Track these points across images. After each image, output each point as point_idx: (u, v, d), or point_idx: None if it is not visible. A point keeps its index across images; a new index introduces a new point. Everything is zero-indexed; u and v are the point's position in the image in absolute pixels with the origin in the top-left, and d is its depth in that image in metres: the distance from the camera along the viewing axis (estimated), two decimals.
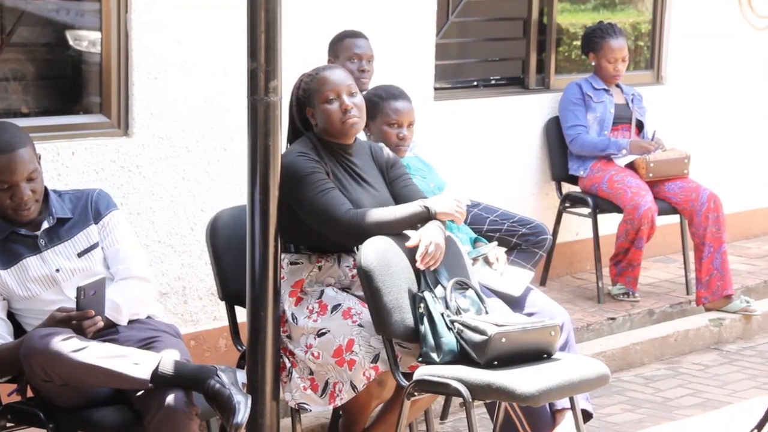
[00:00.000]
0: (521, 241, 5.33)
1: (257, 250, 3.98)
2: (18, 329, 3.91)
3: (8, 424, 3.86)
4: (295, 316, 4.23)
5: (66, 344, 3.64)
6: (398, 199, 4.34)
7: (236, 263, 4.46)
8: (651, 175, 6.51)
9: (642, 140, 6.60)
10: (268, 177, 3.96)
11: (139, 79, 5.04)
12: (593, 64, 6.71)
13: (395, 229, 4.17)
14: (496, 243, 4.94)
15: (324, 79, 4.24)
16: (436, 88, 6.31)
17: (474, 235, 5.01)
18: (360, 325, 4.15)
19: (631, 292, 6.57)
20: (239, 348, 4.52)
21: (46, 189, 3.97)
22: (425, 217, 4.18)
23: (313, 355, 4.18)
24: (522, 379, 3.94)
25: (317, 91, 4.23)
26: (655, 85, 7.42)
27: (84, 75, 5.24)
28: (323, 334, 4.17)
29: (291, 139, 4.34)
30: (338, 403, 4.17)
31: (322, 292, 4.23)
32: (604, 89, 6.67)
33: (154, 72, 5.08)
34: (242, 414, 3.59)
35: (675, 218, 6.74)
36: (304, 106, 4.27)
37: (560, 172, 6.77)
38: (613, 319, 6.31)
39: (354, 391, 4.13)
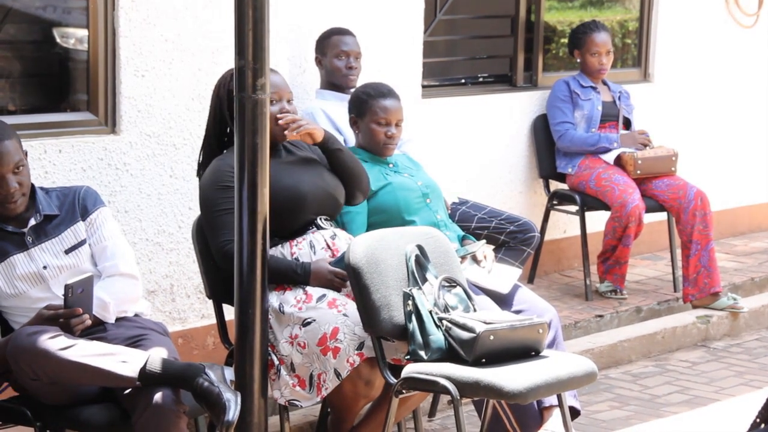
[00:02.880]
0: (509, 238, 5.33)
1: (245, 248, 3.97)
2: (5, 327, 3.90)
3: None
4: (282, 306, 4.25)
5: (53, 342, 3.63)
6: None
7: None
8: (639, 172, 6.52)
9: (634, 133, 6.62)
10: (256, 175, 3.96)
11: (126, 77, 5.03)
12: (578, 60, 6.72)
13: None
14: (484, 241, 4.95)
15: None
16: (423, 86, 6.31)
17: (462, 233, 5.01)
18: (345, 315, 4.17)
19: (619, 290, 6.58)
20: (227, 346, 4.52)
21: (33, 186, 3.96)
22: (296, 279, 4.21)
23: (299, 345, 4.19)
24: (510, 377, 3.94)
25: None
26: (643, 83, 7.43)
27: (71, 72, 5.22)
28: (308, 323, 4.18)
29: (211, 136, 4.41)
30: (324, 393, 4.17)
31: (306, 289, 4.26)
32: (592, 87, 6.68)
33: (142, 69, 5.07)
34: (233, 411, 3.58)
35: (662, 216, 6.75)
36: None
37: (548, 170, 6.77)
38: (600, 316, 6.31)
39: (338, 378, 4.14)
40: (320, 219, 4.41)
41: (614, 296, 6.57)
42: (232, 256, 4.16)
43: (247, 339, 3.96)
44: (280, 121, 4.31)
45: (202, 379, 3.65)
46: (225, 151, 4.40)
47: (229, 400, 3.60)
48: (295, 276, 4.22)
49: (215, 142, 4.44)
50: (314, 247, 4.36)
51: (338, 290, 4.17)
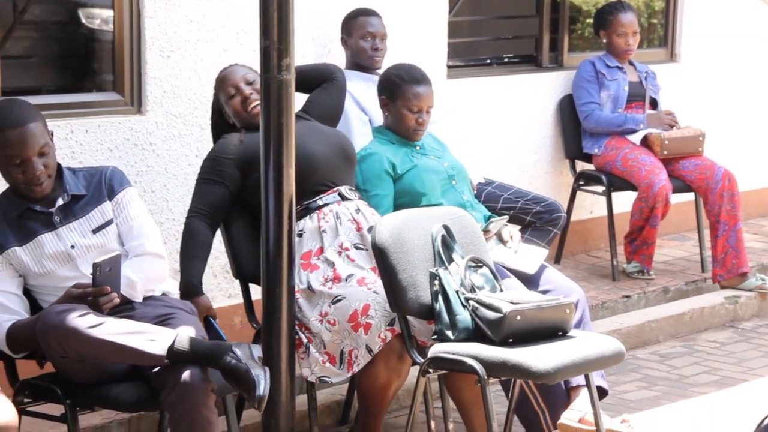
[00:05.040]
0: (535, 219, 5.32)
1: (271, 227, 3.97)
2: (34, 306, 3.92)
3: (26, 400, 3.87)
4: (311, 284, 4.28)
5: (82, 320, 3.64)
6: None
7: (249, 241, 4.47)
8: (666, 152, 6.48)
9: (660, 113, 6.58)
10: (281, 155, 3.95)
11: (151, 57, 5.03)
12: (605, 41, 6.68)
13: (183, 250, 4.37)
14: (507, 217, 4.94)
15: (222, 78, 4.60)
16: (449, 67, 6.29)
17: (488, 214, 5.00)
18: (375, 292, 4.20)
19: (646, 270, 6.56)
20: (254, 325, 4.53)
21: (60, 166, 3.97)
22: (186, 291, 4.27)
23: (329, 322, 4.22)
24: (537, 357, 3.94)
25: (221, 90, 4.59)
26: (669, 63, 7.38)
27: (97, 53, 5.23)
28: (338, 300, 4.21)
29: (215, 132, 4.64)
30: (356, 369, 4.21)
31: (333, 263, 4.28)
32: (618, 67, 6.65)
33: (167, 50, 5.07)
34: (263, 386, 3.60)
35: (690, 196, 6.72)
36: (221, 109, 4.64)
37: (574, 150, 6.75)
38: (628, 296, 6.30)
39: (370, 354, 4.17)
40: (345, 189, 4.44)
41: (641, 277, 6.55)
42: (191, 227, 4.37)
43: (274, 318, 3.97)
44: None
45: (229, 357, 3.66)
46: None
47: (258, 376, 3.61)
48: None
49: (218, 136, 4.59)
50: (340, 218, 4.39)
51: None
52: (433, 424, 4.64)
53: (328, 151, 4.51)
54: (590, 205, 6.97)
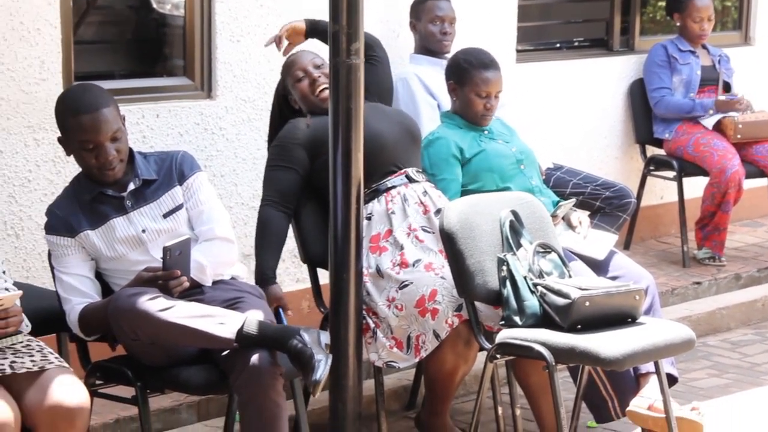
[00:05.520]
0: (605, 204, 5.28)
1: (339, 212, 3.98)
2: (106, 289, 3.97)
3: (97, 382, 3.93)
4: (379, 268, 4.30)
5: (153, 303, 3.68)
6: None
7: (317, 226, 4.48)
8: (739, 136, 6.40)
9: (728, 98, 6.49)
10: (350, 139, 3.96)
11: (222, 42, 5.06)
12: (678, 24, 6.60)
13: (258, 240, 4.40)
14: (574, 200, 4.91)
15: (290, 62, 4.61)
16: (518, 51, 6.26)
17: (557, 199, 4.97)
18: (442, 277, 4.20)
19: (717, 257, 6.49)
20: (322, 310, 4.55)
21: (131, 150, 4.01)
22: (259, 280, 4.31)
23: (396, 307, 4.23)
24: (606, 343, 3.91)
25: (288, 75, 4.58)
26: (743, 46, 7.28)
27: (167, 38, 5.28)
28: (406, 285, 4.22)
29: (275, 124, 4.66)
30: (423, 354, 4.22)
31: (402, 246, 4.29)
32: (690, 51, 6.57)
33: (237, 35, 5.10)
34: (320, 371, 3.61)
35: (763, 181, 6.63)
36: (287, 95, 4.64)
37: (645, 135, 6.69)
38: (698, 283, 6.23)
39: (437, 339, 4.17)
40: (413, 171, 4.45)
41: (712, 263, 6.48)
42: (265, 216, 4.38)
43: (341, 303, 3.98)
44: (265, 44, 4.66)
45: (296, 340, 3.67)
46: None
47: (319, 361, 3.62)
48: None
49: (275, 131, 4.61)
50: (407, 200, 4.40)
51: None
52: (500, 410, 4.63)
53: (394, 132, 4.51)
54: (660, 190, 6.91)
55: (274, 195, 4.44)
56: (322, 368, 3.62)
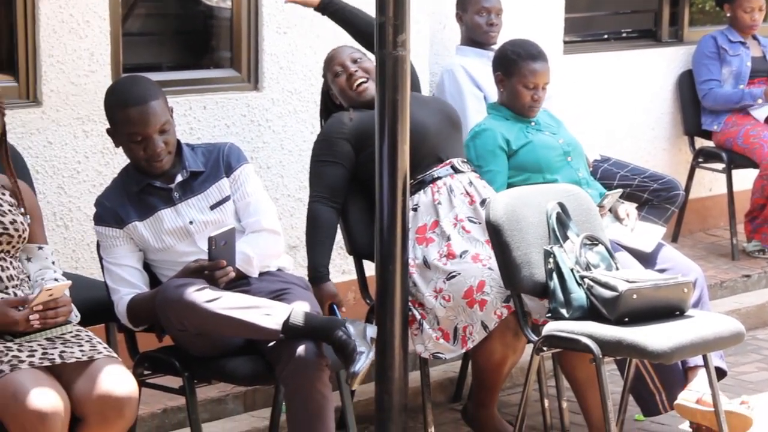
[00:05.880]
0: (652, 196, 5.25)
1: (385, 204, 3.98)
2: (153, 280, 3.99)
3: (145, 372, 3.95)
4: (426, 259, 4.30)
5: (199, 294, 3.70)
6: None
7: (363, 218, 4.49)
8: None
9: None
10: (396, 131, 3.95)
11: (268, 34, 5.07)
12: (728, 15, 6.54)
13: (309, 236, 4.41)
14: (621, 190, 4.88)
15: (329, 58, 4.59)
16: (565, 42, 6.23)
17: (604, 191, 4.94)
18: (490, 269, 4.19)
19: (767, 249, 6.43)
20: (368, 301, 4.56)
21: (179, 142, 4.03)
22: (312, 277, 4.32)
23: (444, 298, 4.23)
24: (654, 336, 3.89)
25: (328, 70, 4.57)
26: None
27: (215, 30, 5.30)
28: (453, 276, 4.22)
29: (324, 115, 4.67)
30: (470, 345, 4.22)
31: (449, 237, 4.28)
32: (740, 42, 6.50)
33: (284, 26, 5.11)
34: (360, 364, 3.61)
35: None
36: (328, 90, 4.64)
37: (693, 127, 6.64)
38: (748, 276, 6.19)
39: (485, 330, 4.17)
40: (458, 162, 4.45)
41: (762, 256, 6.43)
42: (314, 213, 4.38)
43: (387, 295, 3.98)
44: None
45: (340, 332, 3.68)
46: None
47: (360, 353, 3.62)
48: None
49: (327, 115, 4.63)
50: (453, 191, 4.39)
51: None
52: (546, 403, 4.62)
53: (436, 121, 4.51)
54: (709, 182, 6.85)
55: (323, 191, 4.44)
56: (363, 361, 3.63)
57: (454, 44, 5.67)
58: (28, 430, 3.25)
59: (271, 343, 3.75)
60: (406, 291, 4.04)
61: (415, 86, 4.84)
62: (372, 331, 3.75)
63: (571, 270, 4.08)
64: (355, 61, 4.53)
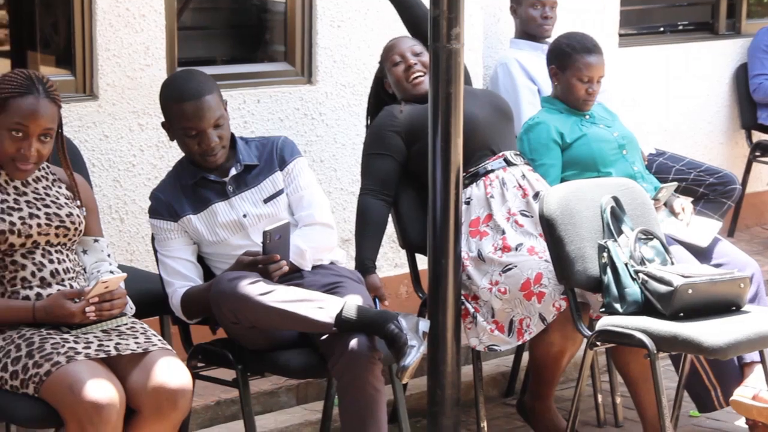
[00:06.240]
0: (708, 191, 5.21)
1: (438, 197, 3.97)
2: (207, 273, 4.01)
3: (199, 364, 3.98)
4: (481, 251, 4.29)
5: (253, 288, 3.71)
6: None
7: (416, 212, 4.48)
8: None
9: None
10: (449, 125, 3.94)
11: (322, 27, 5.08)
12: None
13: (357, 229, 4.43)
14: (676, 184, 4.84)
15: (390, 46, 4.57)
16: (620, 35, 6.19)
17: (659, 185, 4.90)
18: (546, 261, 4.19)
19: None
20: (420, 295, 4.55)
21: (233, 136, 4.04)
22: (359, 269, 4.31)
23: (499, 291, 4.22)
24: (709, 332, 3.85)
25: (387, 58, 4.57)
26: None
27: (269, 24, 5.32)
28: (509, 269, 4.21)
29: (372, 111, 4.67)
30: (527, 338, 4.22)
31: (503, 230, 4.28)
32: None
33: (338, 20, 5.12)
34: (410, 357, 3.60)
35: None
36: (383, 77, 4.63)
37: (750, 121, 6.58)
38: None
39: (543, 323, 4.15)
40: (511, 154, 4.43)
41: None
42: (363, 206, 4.39)
43: (440, 288, 3.97)
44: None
45: (393, 325, 3.68)
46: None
47: (411, 347, 3.62)
48: None
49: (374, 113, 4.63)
50: (506, 184, 4.38)
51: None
52: (600, 398, 4.59)
53: (486, 113, 4.49)
54: (766, 176, 6.78)
55: (373, 183, 4.45)
56: (413, 355, 3.62)
57: (508, 37, 5.65)
58: (84, 421, 3.28)
59: (324, 337, 3.76)
60: (458, 284, 4.03)
61: (466, 80, 4.82)
62: (424, 325, 3.74)
63: (626, 264, 4.06)
64: (415, 54, 4.53)
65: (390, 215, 4.62)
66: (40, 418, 3.37)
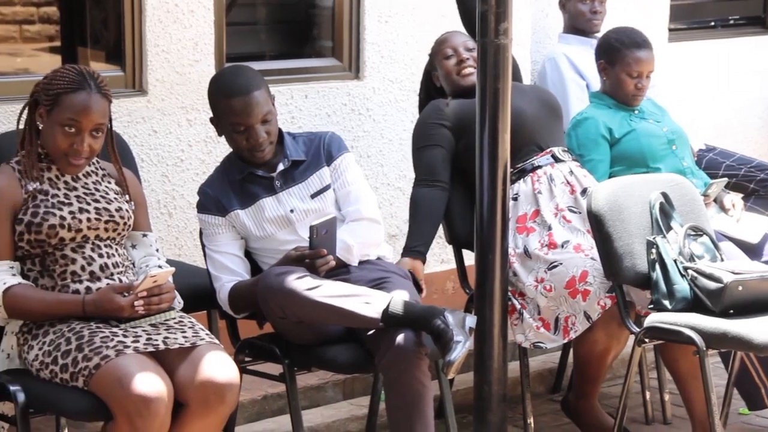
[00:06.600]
0: (759, 186, 5.17)
1: (485, 193, 3.97)
2: (255, 268, 4.03)
3: (246, 359, 4.00)
4: (527, 248, 4.28)
5: (300, 282, 3.72)
6: None
7: (463, 207, 4.48)
8: None
9: None
10: (497, 120, 3.93)
11: (370, 23, 5.08)
12: None
13: (409, 219, 4.41)
14: (726, 179, 4.80)
15: (442, 39, 4.58)
16: (670, 29, 6.15)
17: (709, 180, 4.86)
18: (592, 258, 4.16)
19: None
20: (467, 291, 4.55)
21: (281, 131, 4.06)
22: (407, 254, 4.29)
23: (545, 288, 4.20)
24: (760, 329, 3.82)
25: (438, 51, 4.56)
26: None
27: (317, 19, 5.33)
28: (555, 266, 4.19)
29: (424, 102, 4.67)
30: (573, 336, 4.20)
31: (550, 226, 4.26)
32: None
33: (385, 15, 5.12)
34: (456, 353, 3.59)
35: None
36: (432, 70, 4.63)
37: None
38: None
39: (588, 321, 4.15)
40: (558, 151, 4.42)
41: None
42: (414, 196, 4.38)
43: (486, 284, 3.97)
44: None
45: (439, 321, 3.67)
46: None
47: (457, 343, 3.61)
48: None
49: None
50: (554, 180, 4.36)
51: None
52: (648, 395, 4.57)
53: (534, 109, 4.48)
54: None
55: (422, 174, 4.45)
56: (458, 350, 3.61)
57: (557, 32, 5.62)
58: (132, 414, 3.30)
59: (371, 332, 3.76)
60: (505, 280, 4.02)
61: (516, 76, 4.81)
62: (471, 320, 3.73)
63: (675, 261, 4.04)
64: (468, 50, 4.52)
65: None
66: (89, 411, 3.40)
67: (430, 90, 4.66)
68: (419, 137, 4.50)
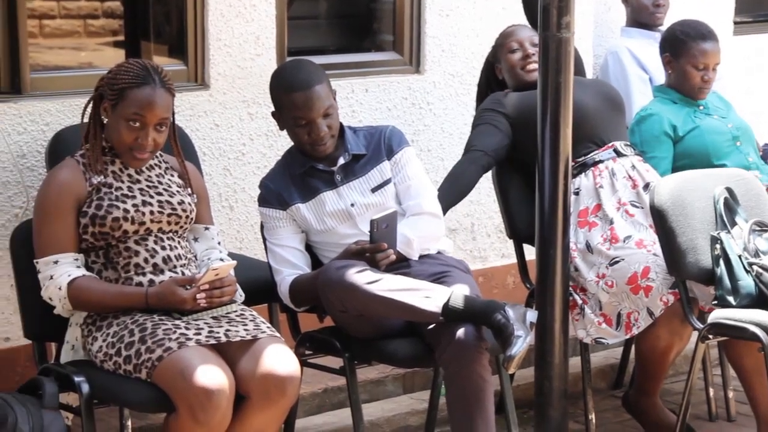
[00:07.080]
0: None
1: (546, 187, 3.94)
2: (315, 261, 4.04)
3: (306, 352, 4.01)
4: (589, 243, 4.25)
5: (360, 276, 3.72)
6: None
7: (524, 201, 4.46)
8: None
9: None
10: (558, 114, 3.91)
11: (431, 17, 5.07)
12: None
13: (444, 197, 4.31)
14: None
15: (508, 33, 4.57)
16: (735, 22, 6.07)
17: None
18: (655, 254, 4.13)
19: None
20: (528, 286, 4.53)
21: (342, 125, 4.06)
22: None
23: (606, 284, 4.18)
24: None
25: (503, 44, 4.55)
26: None
27: (377, 13, 5.33)
28: (616, 262, 4.17)
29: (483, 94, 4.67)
30: (635, 331, 4.18)
31: (612, 220, 4.24)
32: None
33: (446, 9, 5.11)
34: (516, 347, 3.58)
35: None
36: (494, 66, 4.63)
37: None
38: None
39: (651, 317, 4.10)
40: (621, 145, 4.39)
41: None
42: (467, 159, 4.38)
43: (547, 279, 3.94)
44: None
45: (500, 315, 3.66)
46: None
47: (518, 337, 3.60)
48: None
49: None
50: (616, 175, 4.33)
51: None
52: (711, 392, 4.52)
53: (596, 103, 4.45)
54: None
55: (474, 144, 4.44)
56: (519, 345, 3.60)
57: (619, 26, 5.58)
58: (194, 406, 3.33)
59: (431, 326, 3.76)
60: (566, 275, 4.00)
61: (579, 70, 4.78)
62: (532, 315, 3.72)
63: (739, 256, 4.00)
64: (534, 45, 4.51)
65: (498, 204, 4.59)
66: (152, 403, 3.43)
67: (491, 81, 4.65)
68: (479, 120, 4.51)
